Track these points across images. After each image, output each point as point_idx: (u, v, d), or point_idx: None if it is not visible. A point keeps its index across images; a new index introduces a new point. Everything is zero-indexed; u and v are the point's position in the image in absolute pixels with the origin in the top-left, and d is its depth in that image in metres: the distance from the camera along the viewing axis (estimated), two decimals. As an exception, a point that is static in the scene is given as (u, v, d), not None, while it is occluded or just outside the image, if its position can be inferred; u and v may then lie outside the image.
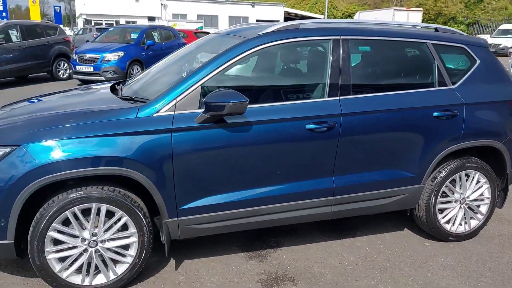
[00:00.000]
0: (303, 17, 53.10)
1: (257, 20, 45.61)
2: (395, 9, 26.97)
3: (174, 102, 2.74)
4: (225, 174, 2.84)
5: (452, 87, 3.36)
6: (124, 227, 2.74)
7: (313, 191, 3.05)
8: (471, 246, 3.51)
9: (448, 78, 3.37)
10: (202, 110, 2.72)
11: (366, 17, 28.50)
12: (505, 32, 31.78)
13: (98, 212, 2.65)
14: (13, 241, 2.58)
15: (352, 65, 3.13)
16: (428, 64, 3.37)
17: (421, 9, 29.61)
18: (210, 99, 2.64)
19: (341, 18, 35.34)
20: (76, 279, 2.72)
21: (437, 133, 3.26)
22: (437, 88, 3.34)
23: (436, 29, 3.63)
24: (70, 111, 2.82)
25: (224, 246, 3.39)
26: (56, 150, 2.53)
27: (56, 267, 2.66)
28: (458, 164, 3.39)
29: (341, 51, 3.08)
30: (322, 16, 53.84)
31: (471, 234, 3.61)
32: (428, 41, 3.38)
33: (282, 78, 3.41)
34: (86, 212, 2.65)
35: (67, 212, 2.59)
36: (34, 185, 2.50)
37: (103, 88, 3.61)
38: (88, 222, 2.66)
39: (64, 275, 2.69)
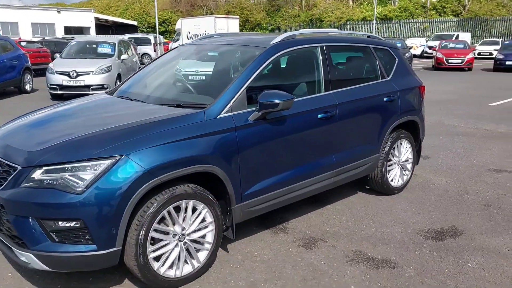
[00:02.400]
0: (114, 23, 51.53)
1: (65, 27, 42.49)
2: (216, 17, 28.84)
3: (230, 105, 3.18)
4: (272, 160, 3.42)
5: (388, 78, 4.58)
6: (203, 218, 3.07)
7: (324, 167, 3.86)
8: (407, 194, 4.80)
9: (385, 72, 4.57)
10: (251, 109, 3.24)
11: (189, 24, 29.69)
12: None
13: (185, 208, 2.94)
14: (121, 248, 2.68)
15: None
16: (373, 62, 4.51)
17: (238, 16, 32.31)
18: (264, 99, 3.18)
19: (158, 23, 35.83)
20: (170, 273, 2.94)
21: (387, 113, 4.42)
22: (381, 80, 4.51)
23: (368, 36, 4.80)
24: (148, 121, 2.98)
25: (245, 229, 3.89)
26: (155, 155, 2.75)
27: (155, 265, 2.85)
28: (396, 136, 4.62)
29: (326, 55, 3.94)
30: (135, 22, 53.19)
31: (404, 186, 4.92)
32: (370, 45, 4.52)
33: (294, 78, 4.06)
34: (175, 210, 2.91)
35: (164, 211, 2.81)
36: (142, 190, 2.67)
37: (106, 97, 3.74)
38: (178, 218, 2.92)
39: (161, 271, 2.89)
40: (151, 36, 31.51)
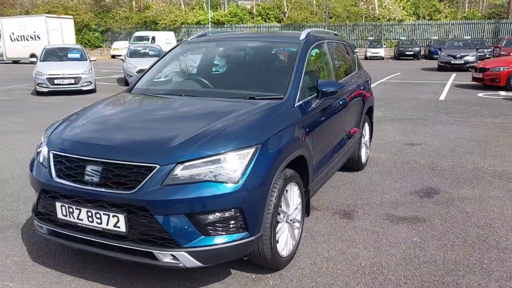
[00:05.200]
0: None
1: None
2: (47, 17, 26.23)
3: (298, 95, 3.48)
4: (324, 140, 3.85)
5: (357, 70, 5.38)
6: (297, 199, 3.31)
7: (342, 146, 4.42)
8: (370, 169, 5.69)
9: (357, 66, 5.36)
10: (308, 97, 3.60)
11: (12, 24, 26.32)
12: (140, 39, 36.18)
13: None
14: (262, 233, 2.78)
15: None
16: (353, 57, 5.25)
17: (72, 17, 29.84)
18: (325, 88, 3.59)
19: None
20: (283, 253, 3.11)
21: (363, 99, 5.21)
22: (355, 71, 5.28)
23: (335, 34, 5.50)
24: (252, 112, 3.09)
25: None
26: (278, 142, 2.94)
27: (277, 247, 2.99)
28: (364, 118, 5.45)
29: (332, 49, 4.51)
30: None
31: (367, 162, 5.80)
32: (343, 42, 5.24)
33: (319, 68, 4.41)
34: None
35: (282, 195, 2.99)
36: (278, 174, 2.83)
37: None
38: (288, 200, 3.12)
39: (283, 253, 3.05)
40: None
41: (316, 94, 3.64)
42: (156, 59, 16.05)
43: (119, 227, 2.59)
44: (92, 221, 2.66)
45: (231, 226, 2.63)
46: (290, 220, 3.22)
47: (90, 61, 14.64)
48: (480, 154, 6.38)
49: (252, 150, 2.69)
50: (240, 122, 2.92)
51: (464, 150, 6.60)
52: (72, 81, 13.33)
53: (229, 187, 2.57)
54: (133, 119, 3.28)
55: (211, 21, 41.20)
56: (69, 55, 14.65)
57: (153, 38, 36.18)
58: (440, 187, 4.94)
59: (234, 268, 3.14)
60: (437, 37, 38.01)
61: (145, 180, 2.55)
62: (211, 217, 2.57)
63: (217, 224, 2.60)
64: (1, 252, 3.41)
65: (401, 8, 40.38)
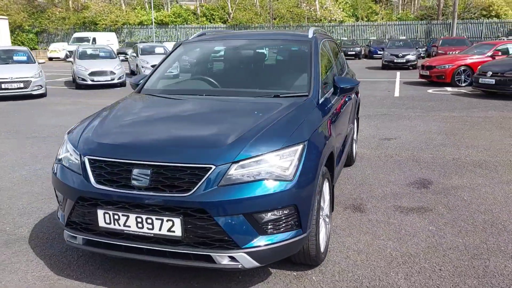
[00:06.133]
0: None
1: None
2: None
3: (320, 92, 3.52)
4: (339, 136, 3.92)
5: (348, 67, 5.53)
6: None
7: (347, 141, 4.52)
8: (360, 164, 5.86)
9: (345, 63, 5.50)
10: (326, 94, 3.65)
11: None
12: (80, 40, 34.75)
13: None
14: (311, 229, 2.78)
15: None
16: (341, 54, 5.38)
17: (6, 17, 27.94)
18: (343, 84, 3.66)
19: None
20: (322, 248, 3.12)
21: (356, 95, 5.38)
22: (347, 68, 5.42)
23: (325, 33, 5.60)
24: (286, 111, 3.08)
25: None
26: (319, 138, 2.97)
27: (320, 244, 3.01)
28: (355, 114, 5.61)
29: (330, 46, 4.60)
30: None
31: (356, 157, 5.98)
32: (334, 41, 5.35)
33: (326, 64, 4.42)
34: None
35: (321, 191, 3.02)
36: (322, 169, 2.85)
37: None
38: (324, 196, 3.15)
39: (322, 249, 3.07)
40: None
41: (333, 90, 3.70)
42: (109, 60, 16.02)
43: (173, 232, 2.49)
44: (142, 227, 2.53)
45: (286, 224, 2.62)
46: (325, 216, 3.26)
47: (39, 63, 13.81)
48: (453, 146, 6.78)
49: (300, 147, 2.69)
50: (281, 120, 2.91)
51: (437, 143, 6.98)
52: (21, 85, 12.51)
53: (284, 184, 2.55)
54: (169, 120, 3.16)
55: (154, 22, 40.31)
56: (15, 58, 13.73)
57: (94, 39, 34.91)
58: (431, 178, 5.19)
59: (273, 267, 3.12)
60: (375, 37, 39.78)
61: (201, 181, 2.47)
62: (267, 216, 2.54)
63: (273, 223, 2.58)
64: (17, 268, 3.14)
65: (341, 10, 41.82)
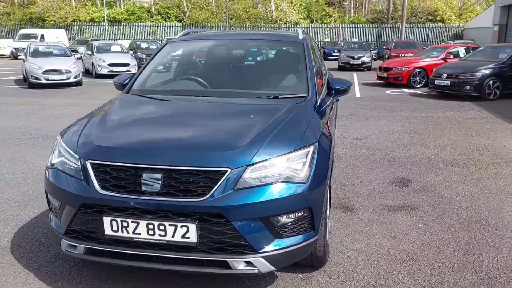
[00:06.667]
0: None
1: None
2: None
3: (316, 93, 3.52)
4: (332, 131, 3.94)
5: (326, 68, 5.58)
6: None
7: (333, 141, 4.56)
8: (337, 163, 5.94)
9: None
10: (320, 95, 3.67)
11: None
12: (27, 37, 33.13)
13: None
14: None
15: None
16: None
17: None
18: (338, 86, 3.69)
19: None
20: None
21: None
22: (326, 68, 5.46)
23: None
24: (291, 112, 3.04)
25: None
26: (325, 139, 2.96)
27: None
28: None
29: (315, 48, 4.62)
30: None
31: (333, 158, 6.05)
32: (314, 42, 5.39)
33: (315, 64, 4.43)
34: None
35: (327, 191, 3.01)
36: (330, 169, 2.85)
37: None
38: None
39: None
40: None
41: (327, 91, 3.71)
42: (64, 58, 15.34)
43: (188, 238, 2.39)
44: (154, 234, 2.41)
45: (300, 226, 2.58)
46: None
47: None
48: (422, 145, 7.03)
49: (311, 149, 2.67)
50: (289, 122, 2.87)
51: (407, 142, 7.21)
52: None
53: (299, 187, 2.52)
54: (174, 122, 3.03)
55: (106, 19, 39.03)
56: None
57: (42, 36, 33.33)
58: (409, 177, 5.35)
59: (277, 270, 3.07)
60: (329, 39, 40.66)
61: (217, 185, 2.39)
62: (283, 219, 2.50)
63: (289, 226, 2.54)
64: (5, 282, 2.90)
65: (296, 11, 42.42)
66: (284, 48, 4.19)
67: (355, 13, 49.19)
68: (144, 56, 22.15)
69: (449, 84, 12.66)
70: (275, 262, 2.51)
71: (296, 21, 41.46)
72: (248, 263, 2.45)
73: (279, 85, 3.67)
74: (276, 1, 42.40)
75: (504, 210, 4.28)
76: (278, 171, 2.51)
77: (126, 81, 3.92)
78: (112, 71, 18.02)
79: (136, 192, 2.43)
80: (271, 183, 2.47)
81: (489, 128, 8.48)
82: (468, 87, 12.31)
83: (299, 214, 2.55)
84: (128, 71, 18.62)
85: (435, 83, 13.09)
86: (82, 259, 2.81)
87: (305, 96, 3.41)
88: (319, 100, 3.47)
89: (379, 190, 4.84)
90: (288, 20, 41.36)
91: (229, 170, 2.41)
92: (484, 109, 10.82)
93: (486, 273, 3.08)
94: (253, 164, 2.47)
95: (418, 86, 15.38)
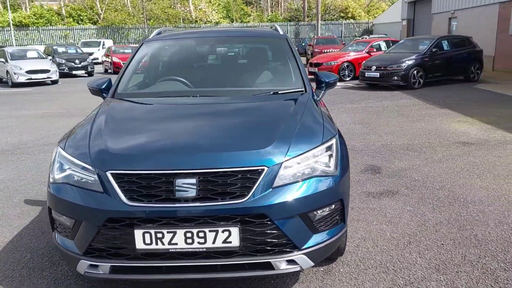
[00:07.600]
0: None
1: None
2: None
3: (309, 86, 3.54)
4: None
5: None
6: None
7: None
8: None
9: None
10: (314, 88, 3.69)
11: None
12: None
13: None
14: (345, 221, 2.78)
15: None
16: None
17: None
18: (328, 79, 3.72)
19: None
20: (340, 240, 3.14)
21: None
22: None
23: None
24: (300, 107, 3.01)
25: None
26: (339, 132, 2.95)
27: (342, 234, 3.02)
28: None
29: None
30: None
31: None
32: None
33: None
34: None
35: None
36: None
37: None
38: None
39: (343, 239, 3.09)
40: None
41: (317, 85, 3.74)
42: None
43: (230, 242, 2.27)
44: (192, 242, 2.25)
45: (332, 219, 2.57)
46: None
47: None
48: (374, 133, 7.36)
49: (334, 141, 2.67)
50: (306, 117, 2.85)
51: (359, 132, 7.51)
52: None
53: (331, 180, 2.51)
54: (190, 125, 2.82)
55: (12, 24, 36.00)
56: None
57: None
58: (377, 164, 5.57)
59: (296, 266, 3.04)
60: (249, 38, 41.12)
61: (256, 184, 2.30)
62: (319, 213, 2.47)
63: (324, 220, 2.51)
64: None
65: (215, 11, 42.37)
66: (269, 44, 4.13)
67: (272, 12, 50.29)
68: (64, 61, 20.73)
69: (378, 76, 13.41)
70: (314, 257, 2.47)
71: (217, 20, 41.40)
72: (290, 262, 2.38)
73: (274, 81, 3.62)
74: (194, 1, 41.99)
75: (472, 187, 4.61)
76: (310, 166, 2.48)
77: (104, 85, 3.62)
78: (31, 79, 16.73)
79: (169, 200, 2.26)
80: (306, 179, 2.43)
81: (426, 114, 9.12)
82: (396, 78, 13.13)
83: (333, 207, 2.53)
84: (49, 77, 17.36)
85: (366, 75, 13.79)
86: (106, 279, 2.55)
87: (302, 91, 3.40)
88: (314, 94, 3.48)
89: (356, 179, 4.98)
90: (208, 20, 41.16)
91: (266, 168, 2.33)
92: (413, 97, 11.62)
93: (485, 246, 3.30)
94: (287, 161, 2.41)
95: (348, 79, 16.11)
